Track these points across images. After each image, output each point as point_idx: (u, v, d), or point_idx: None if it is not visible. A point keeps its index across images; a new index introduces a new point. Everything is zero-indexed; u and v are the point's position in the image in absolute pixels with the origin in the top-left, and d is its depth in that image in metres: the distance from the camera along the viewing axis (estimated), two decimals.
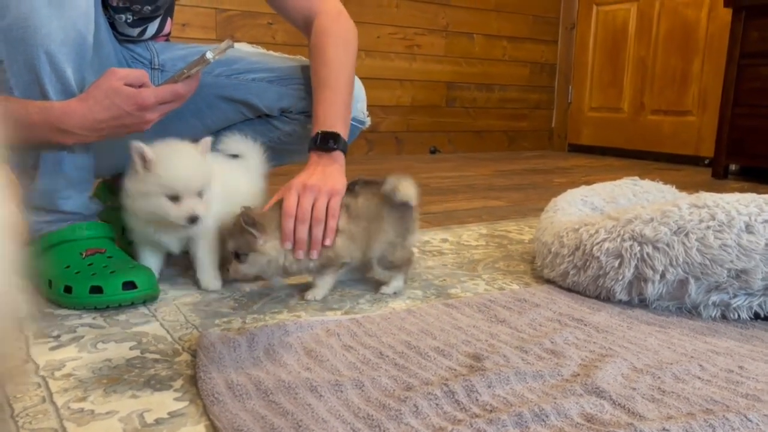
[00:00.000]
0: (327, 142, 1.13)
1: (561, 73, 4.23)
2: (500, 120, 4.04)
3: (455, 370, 0.81)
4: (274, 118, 1.32)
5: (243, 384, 0.74)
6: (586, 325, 0.99)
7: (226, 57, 1.32)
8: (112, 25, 1.23)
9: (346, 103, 1.20)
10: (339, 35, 1.25)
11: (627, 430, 0.65)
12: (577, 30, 4.12)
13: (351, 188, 1.12)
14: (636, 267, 1.06)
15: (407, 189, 1.10)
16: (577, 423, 0.68)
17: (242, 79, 1.31)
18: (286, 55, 1.36)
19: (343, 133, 1.16)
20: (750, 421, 0.68)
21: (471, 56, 3.85)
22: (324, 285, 1.11)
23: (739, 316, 1.02)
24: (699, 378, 0.80)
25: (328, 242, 1.06)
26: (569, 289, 1.16)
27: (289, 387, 0.74)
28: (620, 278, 1.08)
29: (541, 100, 4.23)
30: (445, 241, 1.56)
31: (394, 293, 1.14)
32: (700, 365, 0.84)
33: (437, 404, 0.71)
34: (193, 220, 1.03)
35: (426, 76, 3.69)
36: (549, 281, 1.22)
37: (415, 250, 1.17)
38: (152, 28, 1.28)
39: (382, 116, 3.54)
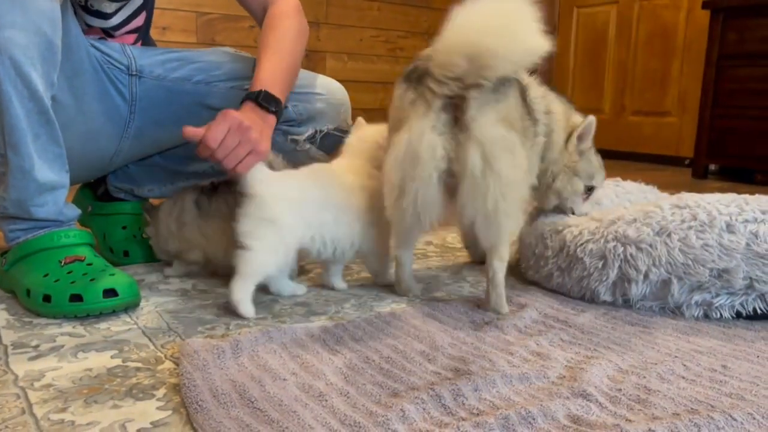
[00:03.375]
0: (269, 102, 1.11)
1: (542, 75, 4.24)
2: None
3: (441, 374, 0.80)
4: None
5: (227, 392, 0.73)
6: (570, 326, 0.99)
7: (206, 63, 1.31)
8: (85, 8, 1.21)
9: (290, 70, 1.20)
10: (293, 22, 1.25)
11: None
12: (557, 32, 4.15)
13: (211, 189, 1.18)
14: (620, 268, 1.07)
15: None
16: (564, 425, 0.68)
17: (221, 87, 1.30)
18: None
19: (283, 100, 1.16)
20: (735, 420, 0.69)
21: None
22: (177, 268, 1.22)
23: (721, 315, 1.03)
24: (683, 378, 0.81)
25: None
26: (554, 291, 1.16)
27: (274, 394, 0.73)
28: (604, 279, 1.08)
29: None
30: (429, 244, 1.56)
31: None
32: (684, 365, 0.84)
33: (424, 409, 0.70)
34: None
35: None
36: (533, 283, 1.22)
37: None
38: (128, 9, 1.26)
39: (366, 119, 3.54)
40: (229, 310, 1.04)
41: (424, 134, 0.95)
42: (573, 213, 1.22)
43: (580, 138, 1.17)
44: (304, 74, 1.34)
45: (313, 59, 3.28)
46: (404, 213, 1.00)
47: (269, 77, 1.15)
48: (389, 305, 1.09)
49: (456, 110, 0.95)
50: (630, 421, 0.69)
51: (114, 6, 1.23)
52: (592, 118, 1.18)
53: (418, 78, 0.98)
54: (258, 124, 1.07)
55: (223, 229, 1.12)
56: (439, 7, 3.71)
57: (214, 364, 0.80)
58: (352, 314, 1.04)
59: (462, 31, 0.93)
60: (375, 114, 3.57)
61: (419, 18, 3.67)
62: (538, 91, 1.13)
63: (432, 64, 0.95)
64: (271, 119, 1.12)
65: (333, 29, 3.38)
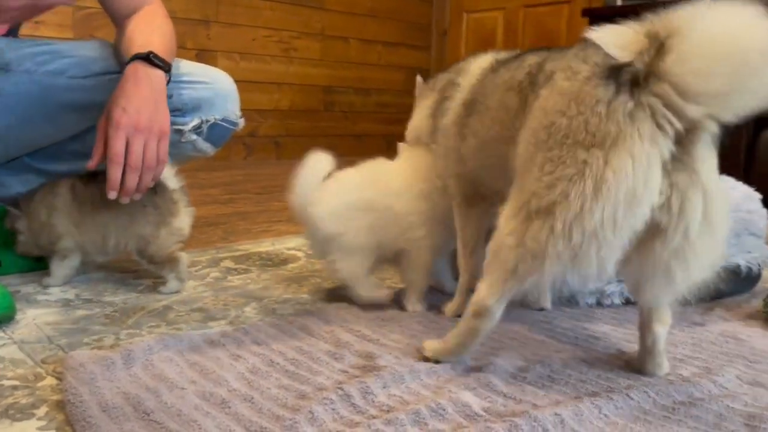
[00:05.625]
0: (159, 60, 1.07)
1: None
2: (378, 124, 4.09)
3: (349, 372, 0.78)
4: None
5: (119, 405, 0.67)
6: None
7: (82, 57, 1.21)
8: None
9: (170, 49, 1.15)
10: (166, 25, 1.21)
11: (522, 418, 0.66)
12: (449, 36, 4.26)
13: (90, 175, 1.10)
14: None
15: None
16: (476, 414, 0.68)
17: (100, 80, 1.19)
18: None
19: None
20: (632, 399, 0.72)
21: (347, 60, 3.86)
22: (55, 272, 1.11)
23: (612, 302, 1.08)
24: (585, 362, 0.84)
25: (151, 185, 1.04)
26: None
27: (172, 404, 0.68)
28: None
29: None
30: None
31: (171, 293, 1.11)
32: (584, 350, 0.87)
33: (333, 409, 0.68)
34: None
35: (303, 80, 3.65)
36: None
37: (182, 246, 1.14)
38: None
39: (260, 120, 3.46)
40: (118, 319, 0.97)
41: (652, 170, 0.67)
42: None
43: None
44: (188, 64, 1.28)
45: (203, 58, 3.16)
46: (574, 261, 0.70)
47: (148, 41, 1.10)
48: (293, 306, 1.06)
49: (681, 143, 0.68)
50: (537, 406, 0.70)
51: None
52: None
53: (634, 81, 0.67)
54: (147, 94, 1.02)
55: (93, 217, 1.08)
56: (332, 9, 3.70)
57: (103, 377, 0.73)
58: (253, 318, 1.00)
59: (730, 32, 0.64)
60: (269, 114, 3.50)
61: (312, 18, 3.63)
62: None
63: (668, 69, 0.65)
64: (161, 77, 1.07)
65: (224, 28, 3.27)
